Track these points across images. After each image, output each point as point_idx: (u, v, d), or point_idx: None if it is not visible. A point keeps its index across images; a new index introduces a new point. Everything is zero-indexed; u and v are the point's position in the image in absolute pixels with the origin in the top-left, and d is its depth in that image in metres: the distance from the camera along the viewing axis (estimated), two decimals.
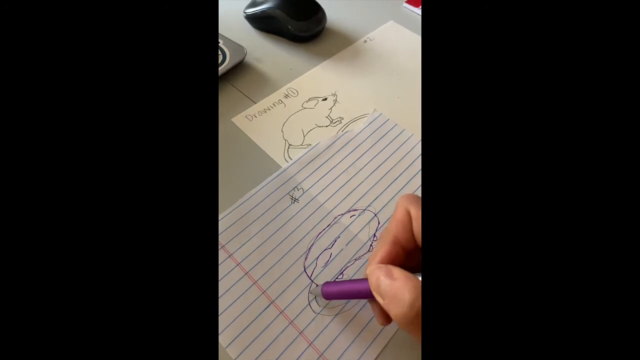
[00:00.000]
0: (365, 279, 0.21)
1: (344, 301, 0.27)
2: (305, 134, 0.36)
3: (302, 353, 0.25)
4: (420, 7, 0.49)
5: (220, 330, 0.25)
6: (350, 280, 0.24)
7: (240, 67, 0.41)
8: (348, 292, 0.23)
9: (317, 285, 0.27)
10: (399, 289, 0.18)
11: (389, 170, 0.34)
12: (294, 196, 0.32)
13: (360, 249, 0.30)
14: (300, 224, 0.30)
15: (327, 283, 0.25)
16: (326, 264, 0.29)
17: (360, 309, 0.27)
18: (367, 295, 0.21)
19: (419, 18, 0.48)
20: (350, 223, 0.31)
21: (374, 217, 0.31)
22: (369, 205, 0.32)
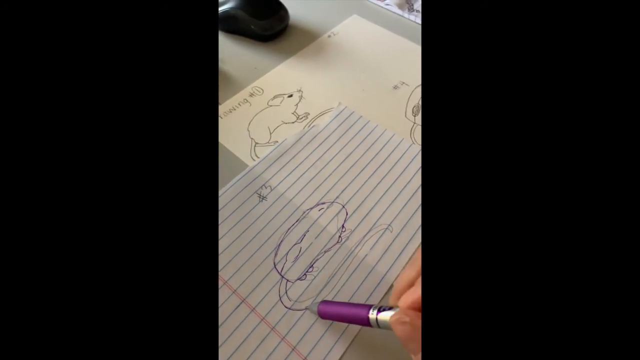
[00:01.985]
0: (365, 306, 0.21)
1: (314, 295, 0.27)
2: (271, 132, 0.36)
3: (275, 348, 0.25)
4: (385, 1, 0.49)
5: None
6: (349, 305, 0.23)
7: None
8: (346, 317, 0.23)
9: (290, 281, 0.27)
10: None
11: (356, 161, 0.34)
12: (261, 194, 0.32)
13: (329, 241, 0.30)
14: (269, 221, 0.30)
15: (324, 302, 0.25)
16: (296, 258, 0.29)
17: None
18: (365, 323, 0.21)
19: (382, 10, 0.49)
20: (319, 216, 0.31)
21: (342, 208, 0.31)
22: (337, 197, 0.32)
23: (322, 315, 0.25)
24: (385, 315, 0.20)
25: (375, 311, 0.20)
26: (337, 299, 0.27)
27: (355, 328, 0.26)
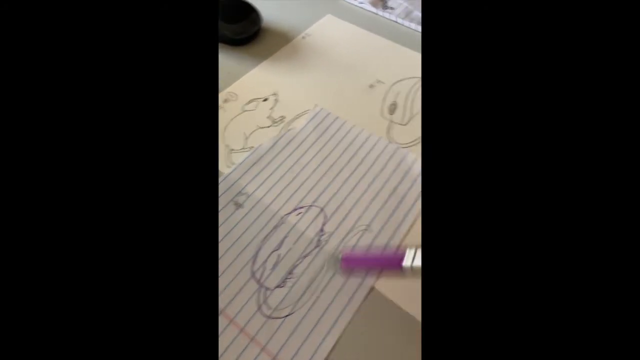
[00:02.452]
0: (395, 253, 0.22)
1: (293, 302, 0.27)
2: (247, 137, 0.36)
3: (255, 359, 0.25)
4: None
5: None
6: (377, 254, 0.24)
7: None
8: (374, 262, 0.24)
9: (269, 289, 0.27)
10: None
11: (333, 163, 0.34)
12: (238, 202, 0.31)
13: (308, 245, 0.29)
14: (246, 229, 0.30)
15: (346, 255, 0.26)
16: (275, 265, 0.28)
17: (309, 310, 0.26)
18: (395, 264, 0.21)
19: (356, 9, 0.48)
20: (298, 221, 0.30)
21: (320, 211, 0.31)
22: (315, 201, 0.31)
23: (347, 267, 0.25)
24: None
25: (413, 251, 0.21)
26: (317, 305, 0.26)
27: (337, 333, 0.25)
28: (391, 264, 0.21)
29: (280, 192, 0.32)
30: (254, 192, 0.32)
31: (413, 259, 0.20)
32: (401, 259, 0.21)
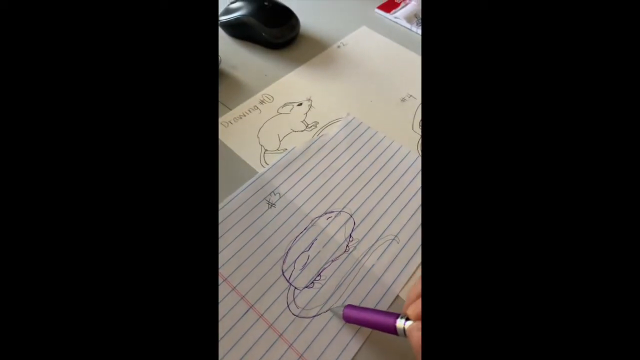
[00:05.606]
0: (392, 314, 0.22)
1: (321, 304, 0.27)
2: (281, 139, 0.37)
3: (282, 355, 0.25)
4: (392, 12, 0.50)
5: None
6: (376, 311, 0.24)
7: None
8: (371, 323, 0.24)
9: (298, 289, 0.28)
10: None
11: (363, 171, 0.35)
12: (270, 201, 0.32)
13: (336, 250, 0.30)
14: (278, 228, 0.31)
15: (349, 307, 0.26)
16: (304, 266, 0.29)
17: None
18: (391, 331, 0.21)
19: (391, 23, 0.50)
20: (327, 225, 0.31)
21: (349, 217, 0.32)
22: (344, 207, 0.32)
23: (347, 319, 0.25)
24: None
25: (403, 320, 0.21)
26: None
27: (363, 335, 0.26)
28: (386, 328, 0.22)
29: (312, 195, 0.33)
30: (286, 193, 0.33)
31: (404, 327, 0.21)
32: (394, 325, 0.21)
